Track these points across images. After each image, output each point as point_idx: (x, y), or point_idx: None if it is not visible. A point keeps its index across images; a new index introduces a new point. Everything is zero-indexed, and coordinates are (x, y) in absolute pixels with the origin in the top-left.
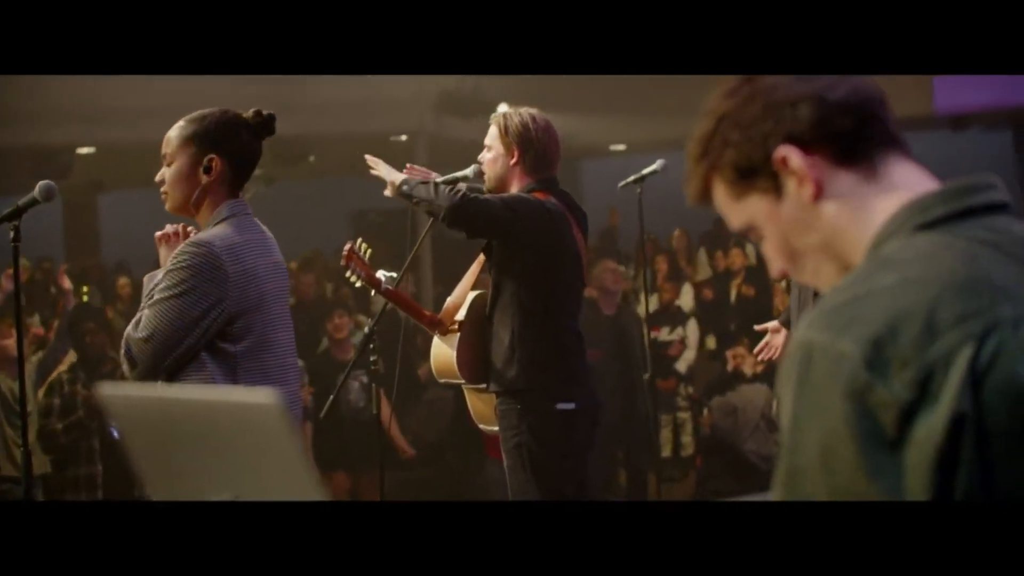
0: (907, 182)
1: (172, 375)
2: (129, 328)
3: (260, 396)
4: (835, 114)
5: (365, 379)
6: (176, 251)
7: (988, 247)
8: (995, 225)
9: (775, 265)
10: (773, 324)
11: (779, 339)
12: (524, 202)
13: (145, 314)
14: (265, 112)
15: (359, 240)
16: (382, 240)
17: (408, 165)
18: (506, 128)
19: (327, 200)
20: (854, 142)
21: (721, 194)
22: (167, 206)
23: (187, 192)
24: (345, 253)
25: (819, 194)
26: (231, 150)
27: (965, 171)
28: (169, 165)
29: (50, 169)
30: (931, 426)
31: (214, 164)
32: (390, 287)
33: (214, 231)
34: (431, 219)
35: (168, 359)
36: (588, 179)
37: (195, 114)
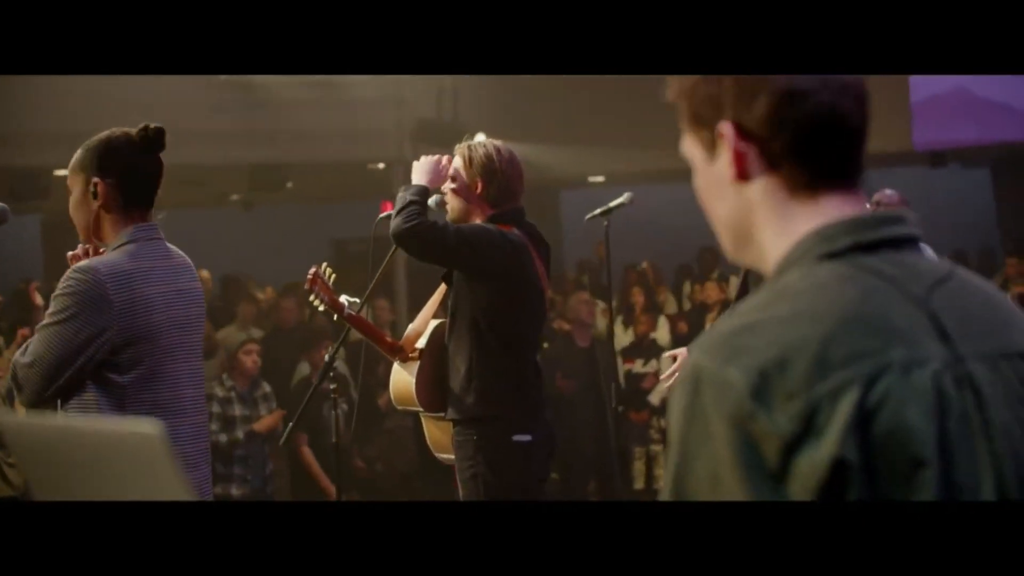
0: (834, 212)
1: (60, 403)
2: (17, 353)
3: (142, 427)
4: (787, 123)
5: (345, 406)
6: (64, 277)
7: (889, 283)
8: (901, 260)
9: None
10: (682, 351)
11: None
12: (483, 233)
13: (32, 340)
14: (152, 126)
15: (324, 265)
16: (361, 268)
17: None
18: (470, 160)
19: (305, 227)
20: (793, 156)
21: (681, 119)
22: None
23: (83, 219)
24: (309, 277)
25: (740, 179)
26: (116, 171)
27: (943, 207)
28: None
29: (27, 191)
30: (813, 461)
31: (99, 188)
32: (352, 312)
33: (105, 257)
34: (391, 253)
35: (52, 386)
36: (567, 210)
37: (89, 140)
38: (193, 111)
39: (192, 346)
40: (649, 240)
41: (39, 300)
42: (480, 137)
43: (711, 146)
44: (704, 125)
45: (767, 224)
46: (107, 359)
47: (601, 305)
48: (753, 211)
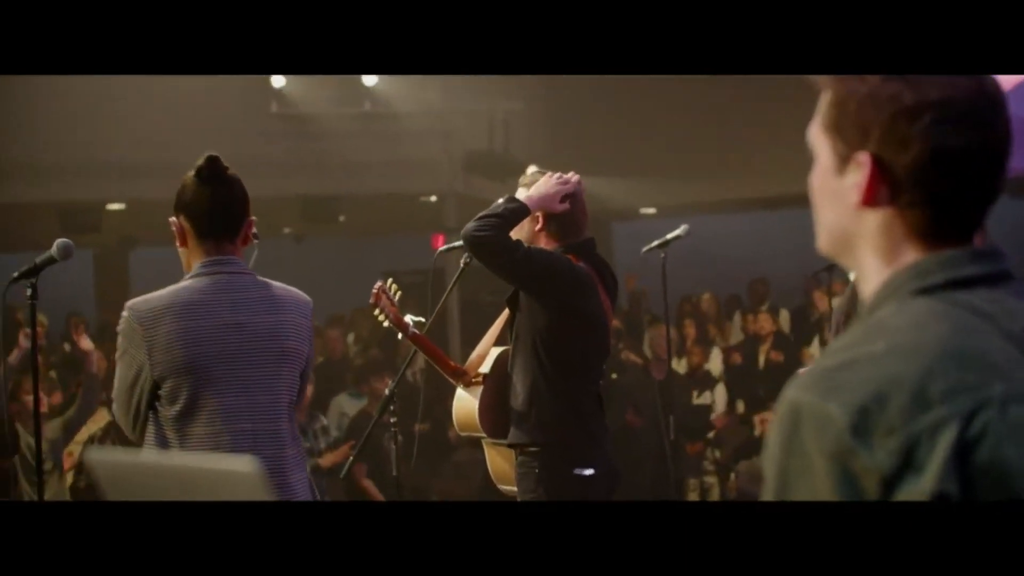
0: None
1: (140, 436)
2: None
3: (237, 463)
4: (929, 180)
5: (401, 438)
6: None
7: (984, 319)
8: (994, 297)
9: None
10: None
11: None
12: (551, 259)
13: None
14: (203, 158)
15: (389, 280)
16: (411, 300)
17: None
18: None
19: (356, 260)
20: (923, 207)
21: (821, 114)
22: None
23: (183, 259)
24: (375, 292)
25: (865, 207)
26: (183, 208)
27: (995, 236)
28: None
29: (79, 224)
30: (913, 496)
31: (175, 227)
32: (416, 331)
33: (150, 294)
34: (458, 274)
35: (130, 419)
36: (618, 242)
37: None
38: (245, 142)
39: (256, 380)
40: (698, 271)
41: (87, 344)
42: (531, 169)
43: (843, 161)
44: (843, 140)
45: (873, 252)
46: (154, 392)
47: (651, 336)
48: (863, 236)
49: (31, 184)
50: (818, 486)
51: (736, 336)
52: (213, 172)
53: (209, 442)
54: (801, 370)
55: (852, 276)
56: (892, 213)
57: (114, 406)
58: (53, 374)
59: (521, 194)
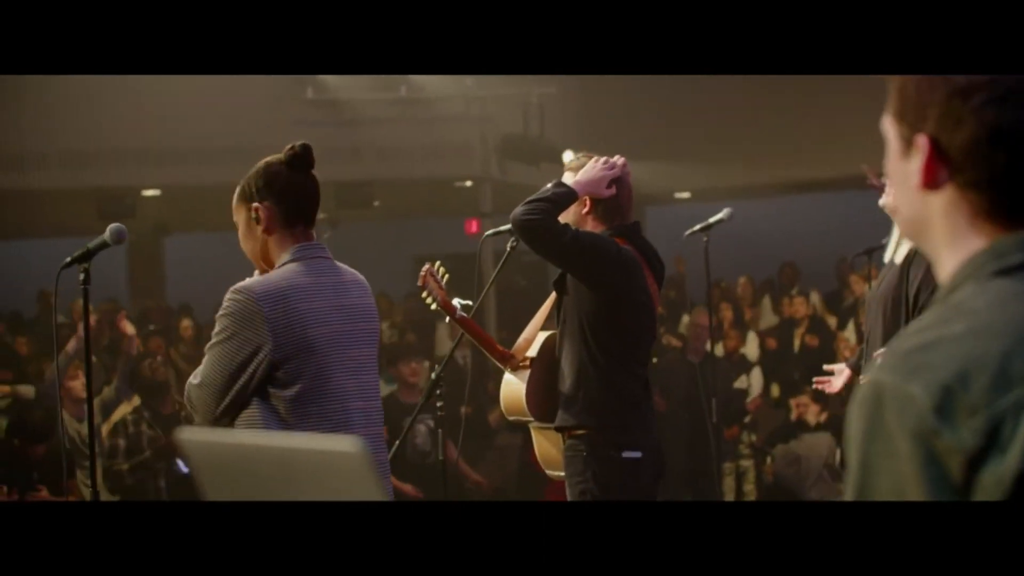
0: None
1: (230, 420)
2: (191, 376)
3: (343, 444)
4: (984, 159)
5: (431, 423)
6: (225, 298)
7: None
8: None
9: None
10: (839, 366)
11: (840, 380)
12: (598, 242)
13: (203, 361)
14: (297, 145)
15: (437, 263)
16: (448, 286)
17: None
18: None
19: (392, 244)
20: (983, 188)
21: (888, 101)
22: None
23: (251, 246)
24: (423, 274)
25: (926, 189)
26: (273, 194)
27: None
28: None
29: (115, 211)
30: (999, 475)
31: (260, 213)
32: (464, 314)
33: (262, 277)
34: (504, 258)
35: (221, 404)
36: (653, 226)
37: (247, 173)
38: (277, 129)
39: (360, 360)
40: (733, 255)
41: (129, 329)
42: (567, 155)
43: (907, 144)
44: (905, 124)
45: (943, 235)
46: (269, 375)
47: (687, 320)
48: (931, 218)
49: (68, 171)
50: (902, 469)
51: (768, 320)
52: (308, 160)
53: (326, 422)
54: (877, 353)
55: (886, 259)
56: (954, 195)
57: (196, 391)
58: (95, 359)
59: (568, 178)
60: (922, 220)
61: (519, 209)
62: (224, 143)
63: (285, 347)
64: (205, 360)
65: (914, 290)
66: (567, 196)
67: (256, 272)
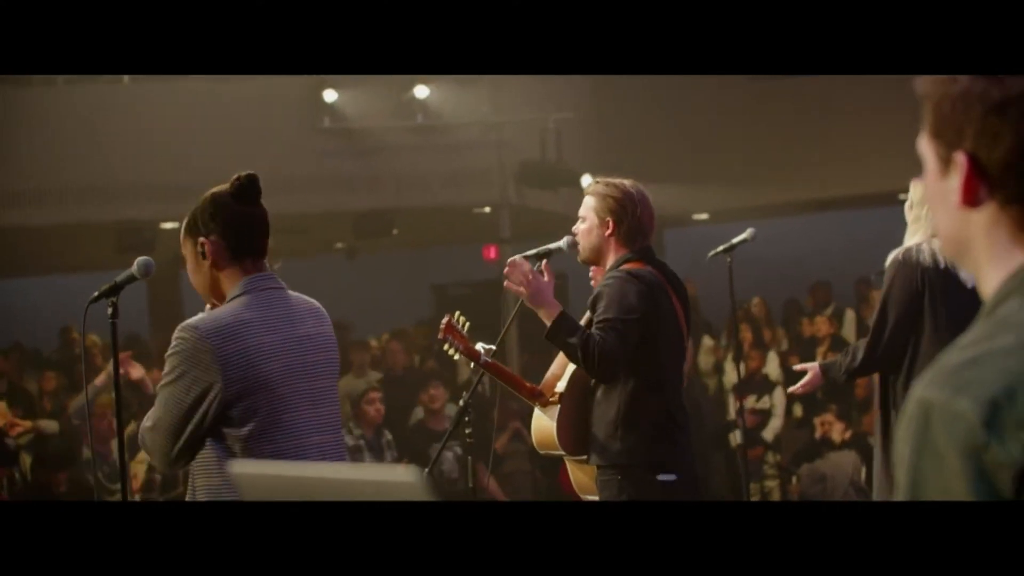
0: None
1: (186, 463)
2: (143, 419)
3: (402, 474)
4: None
5: (459, 450)
6: (173, 337)
7: None
8: None
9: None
10: (811, 364)
11: (807, 377)
12: (626, 300)
13: (155, 403)
14: (243, 175)
15: (457, 313)
16: (466, 313)
17: (509, 262)
18: (602, 199)
19: (407, 273)
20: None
21: (923, 118)
22: None
23: (200, 281)
24: (443, 327)
25: (966, 207)
26: (219, 227)
27: None
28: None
29: (134, 244)
30: None
31: (207, 247)
32: (489, 360)
33: (210, 313)
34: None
35: (176, 446)
36: (672, 248)
37: (194, 206)
38: (295, 159)
39: (317, 392)
40: (756, 276)
41: (136, 373)
42: (586, 179)
43: (945, 163)
44: (943, 142)
45: (985, 251)
46: (222, 414)
47: (708, 343)
48: (973, 235)
49: (87, 205)
50: (952, 485)
51: (794, 340)
52: (254, 191)
53: (282, 459)
54: (928, 369)
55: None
56: (995, 211)
57: (149, 434)
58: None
59: (583, 207)
60: (963, 238)
61: (594, 374)
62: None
63: (236, 384)
64: (156, 401)
65: (879, 306)
66: (561, 320)
67: (207, 307)
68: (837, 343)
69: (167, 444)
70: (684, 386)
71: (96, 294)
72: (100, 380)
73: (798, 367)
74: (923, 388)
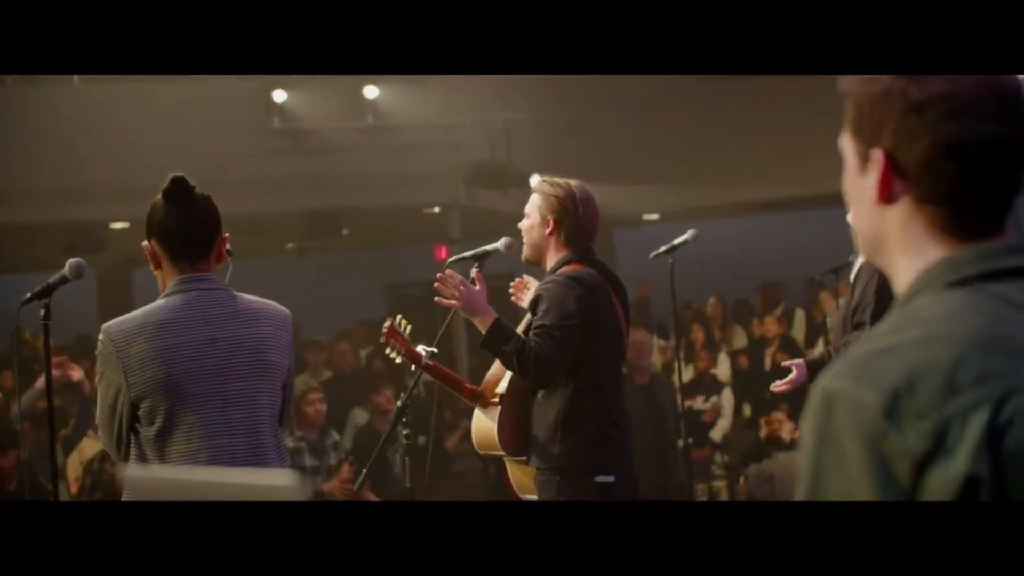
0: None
1: (125, 459)
2: None
3: (278, 478)
4: (941, 174)
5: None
6: None
7: (1017, 310)
8: None
9: None
10: (797, 360)
11: (794, 373)
12: (565, 307)
13: None
14: (169, 177)
15: (399, 317)
16: (417, 313)
17: (439, 276)
18: (545, 198)
19: (359, 273)
20: (940, 202)
21: (845, 116)
22: None
23: (159, 284)
24: (385, 330)
25: (882, 204)
26: (154, 232)
27: None
28: None
29: (83, 245)
30: (944, 478)
31: (147, 251)
32: (430, 362)
33: (123, 316)
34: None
35: (114, 443)
36: (622, 249)
37: None
38: (245, 160)
39: (233, 394)
40: (705, 277)
41: (76, 374)
42: (534, 180)
43: (863, 160)
44: (862, 139)
45: (900, 247)
46: (132, 413)
47: (660, 343)
48: (888, 231)
49: (36, 206)
50: (852, 473)
51: (741, 340)
52: (180, 193)
53: (187, 460)
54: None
55: (852, 277)
56: (911, 209)
57: (100, 431)
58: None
59: (528, 204)
60: (879, 234)
61: (530, 380)
62: (191, 175)
63: (138, 385)
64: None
65: (852, 307)
66: (495, 328)
67: None
68: (787, 343)
69: (108, 441)
70: (648, 382)
71: (28, 295)
72: (40, 383)
73: (786, 363)
74: (829, 378)
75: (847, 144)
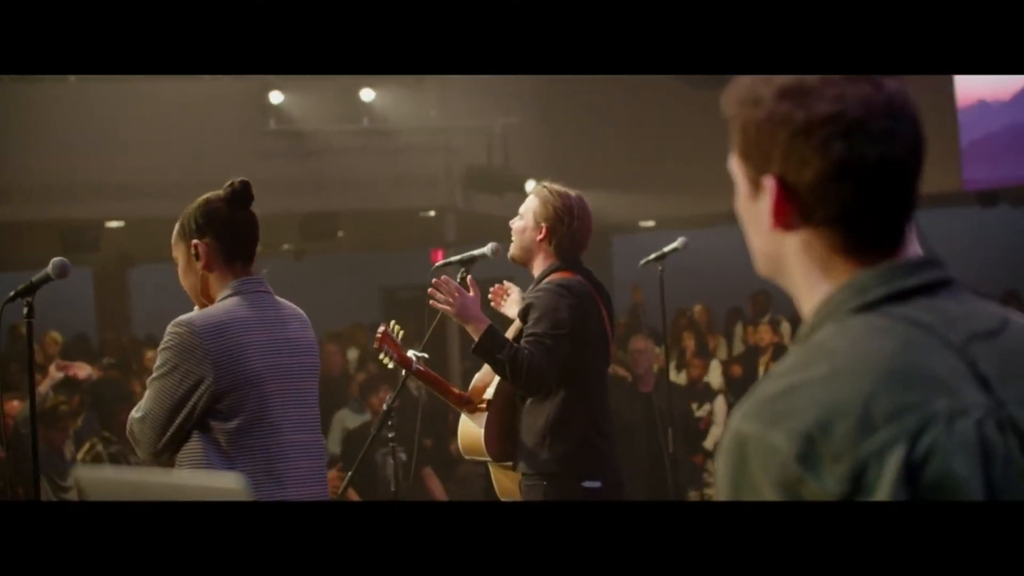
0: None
1: (171, 454)
2: (133, 410)
3: (225, 480)
4: (833, 196)
5: (403, 456)
6: (166, 332)
7: (925, 331)
8: (934, 305)
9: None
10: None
11: None
12: (556, 316)
13: (145, 395)
14: (237, 182)
15: (392, 323)
16: (410, 316)
17: (434, 281)
18: (543, 204)
19: (355, 275)
20: (835, 224)
21: (731, 138)
22: None
23: (191, 283)
24: (378, 336)
25: (777, 229)
26: (212, 231)
27: (994, 247)
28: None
29: (79, 243)
30: None
31: (199, 249)
32: (420, 367)
33: (203, 311)
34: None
35: (163, 438)
36: (618, 255)
37: (185, 209)
38: (240, 161)
39: (301, 393)
40: (699, 284)
41: (81, 374)
42: (531, 185)
43: (755, 185)
44: (751, 165)
45: (800, 274)
46: (210, 408)
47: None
48: (787, 257)
49: (31, 204)
50: None
51: (736, 348)
52: (248, 198)
53: (264, 454)
54: (745, 397)
55: None
56: (808, 233)
57: (138, 425)
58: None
59: (524, 205)
60: (778, 261)
61: (522, 387)
62: (187, 175)
63: (226, 379)
64: (147, 394)
65: None
66: (489, 335)
67: (195, 308)
68: (780, 352)
69: (155, 435)
70: (651, 391)
71: (12, 293)
72: (44, 385)
73: None
74: (739, 420)
75: (736, 168)
